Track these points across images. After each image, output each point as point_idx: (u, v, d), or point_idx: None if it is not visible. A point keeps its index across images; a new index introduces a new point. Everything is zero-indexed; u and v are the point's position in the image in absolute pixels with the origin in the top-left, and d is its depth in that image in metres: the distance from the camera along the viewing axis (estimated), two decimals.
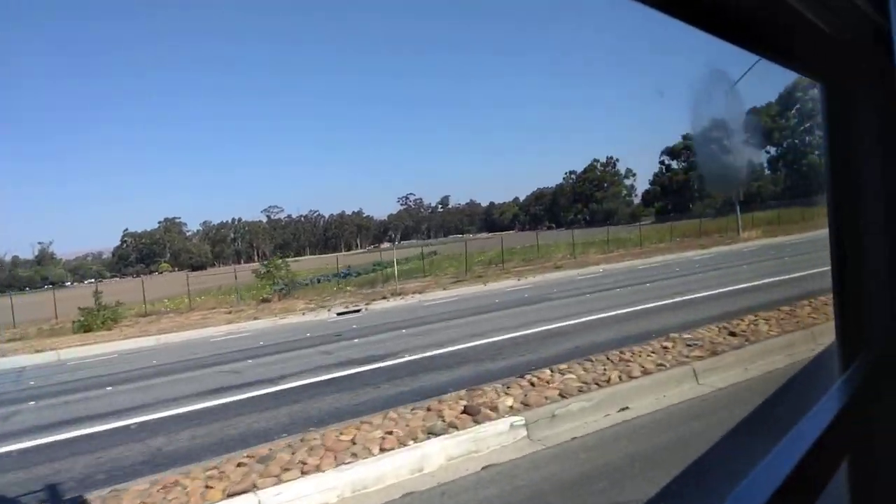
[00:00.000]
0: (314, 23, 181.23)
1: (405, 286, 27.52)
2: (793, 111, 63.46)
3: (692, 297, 12.97)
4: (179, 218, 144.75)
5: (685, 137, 76.54)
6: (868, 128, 1.01)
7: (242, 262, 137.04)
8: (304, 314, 19.12)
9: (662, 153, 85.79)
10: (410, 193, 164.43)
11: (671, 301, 12.71)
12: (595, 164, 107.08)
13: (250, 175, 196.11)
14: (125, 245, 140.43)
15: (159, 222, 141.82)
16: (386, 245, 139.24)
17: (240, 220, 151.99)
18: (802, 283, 12.57)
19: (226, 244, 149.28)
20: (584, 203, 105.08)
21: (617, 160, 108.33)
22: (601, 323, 11.05)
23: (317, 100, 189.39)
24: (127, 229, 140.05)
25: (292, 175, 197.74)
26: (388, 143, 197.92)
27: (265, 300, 26.90)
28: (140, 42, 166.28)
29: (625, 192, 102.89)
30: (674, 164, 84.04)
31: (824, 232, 1.12)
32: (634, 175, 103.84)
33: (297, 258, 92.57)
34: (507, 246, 39.68)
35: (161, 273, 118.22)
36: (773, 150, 69.22)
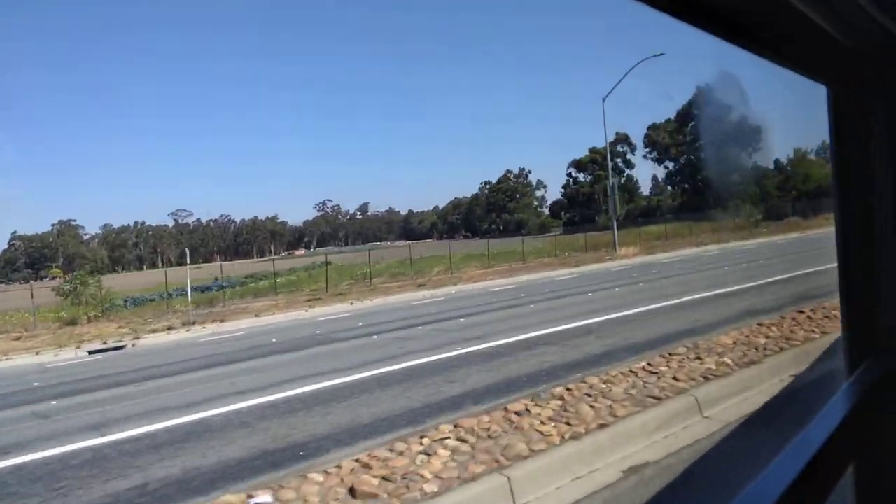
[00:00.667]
0: (227, 17, 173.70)
1: (240, 306, 24.27)
2: (688, 127, 64.47)
3: (480, 346, 10.39)
4: (76, 221, 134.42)
5: (592, 151, 76.84)
6: (875, 134, 1.02)
7: (145, 268, 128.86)
8: (58, 351, 15.44)
9: (570, 165, 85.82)
10: (328, 199, 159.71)
11: (440, 357, 10.05)
12: (508, 174, 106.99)
13: (156, 177, 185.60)
14: (13, 249, 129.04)
15: (53, 225, 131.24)
16: (301, 252, 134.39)
17: (143, 223, 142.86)
18: (631, 328, 10.31)
19: (126, 249, 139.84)
20: (497, 213, 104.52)
21: (529, 172, 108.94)
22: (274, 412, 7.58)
23: (231, 102, 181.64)
24: (16, 232, 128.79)
25: (203, 178, 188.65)
26: (306, 147, 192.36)
27: (70, 322, 22.92)
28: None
29: (535, 203, 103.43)
30: (581, 177, 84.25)
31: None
32: (545, 187, 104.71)
33: (198, 265, 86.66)
34: (416, 255, 37.27)
35: (54, 279, 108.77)
36: (670, 164, 70.33)
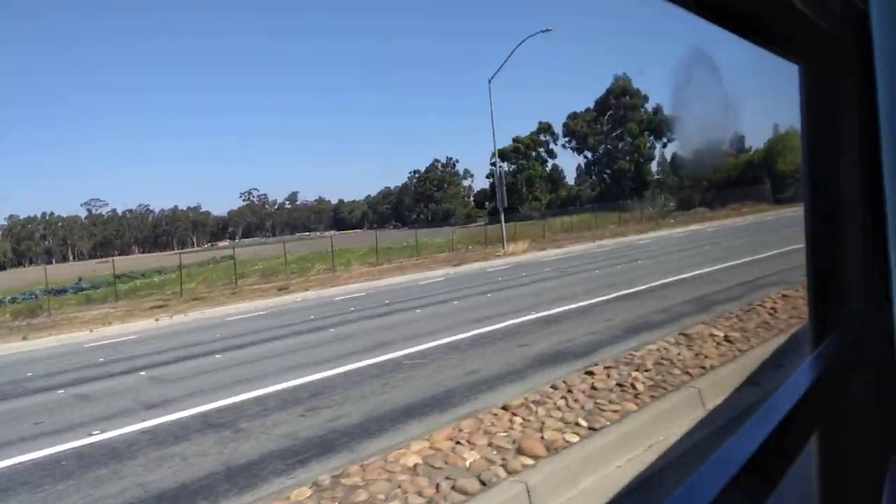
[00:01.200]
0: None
1: (69, 316, 20.91)
2: (606, 117, 63.52)
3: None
4: None
5: (515, 140, 74.79)
6: (845, 114, 1.02)
7: (55, 261, 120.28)
8: None
9: (493, 155, 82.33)
10: (254, 188, 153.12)
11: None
12: (436, 164, 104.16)
13: (67, 166, 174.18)
14: None
15: None
16: (224, 243, 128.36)
17: (52, 214, 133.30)
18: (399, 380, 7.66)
19: (33, 242, 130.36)
20: (425, 203, 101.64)
21: (456, 161, 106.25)
22: None
23: (152, 85, 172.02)
24: None
25: (120, 167, 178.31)
26: (231, 134, 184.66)
27: None
28: None
29: (462, 192, 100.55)
30: (504, 166, 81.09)
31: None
32: (472, 176, 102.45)
33: (104, 259, 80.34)
34: (339, 245, 33.98)
35: None
36: (589, 154, 68.82)
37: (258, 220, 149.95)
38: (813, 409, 0.82)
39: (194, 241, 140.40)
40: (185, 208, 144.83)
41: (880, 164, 0.78)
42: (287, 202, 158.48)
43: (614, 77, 65.14)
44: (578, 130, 68.32)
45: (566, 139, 72.87)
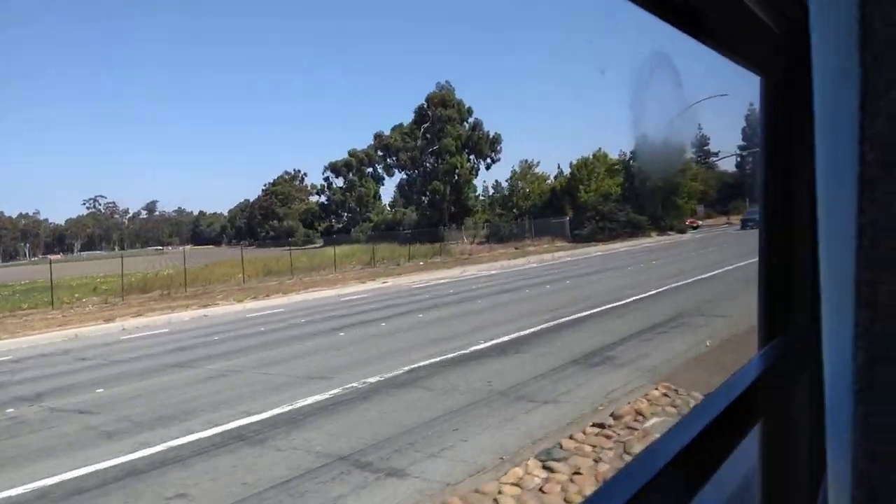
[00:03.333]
0: None
1: None
2: (422, 130, 56.54)
3: None
4: None
5: (350, 153, 69.50)
6: (799, 125, 1.05)
7: None
8: None
9: (326, 169, 73.74)
10: (101, 195, 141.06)
11: None
12: (285, 176, 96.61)
13: None
14: None
15: None
16: (57, 255, 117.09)
17: None
18: None
19: None
20: (269, 219, 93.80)
21: (305, 174, 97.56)
22: None
23: None
24: None
25: None
26: (75, 135, 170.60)
27: None
28: None
29: (310, 208, 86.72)
30: (338, 182, 73.26)
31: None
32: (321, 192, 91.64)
33: None
34: (187, 263, 29.09)
35: None
36: (406, 173, 61.11)
37: (103, 230, 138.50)
38: (754, 404, 0.86)
39: (27, 252, 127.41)
40: (15, 216, 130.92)
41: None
42: (144, 212, 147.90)
43: (437, 85, 57.12)
44: (393, 145, 59.26)
45: (380, 155, 64.57)
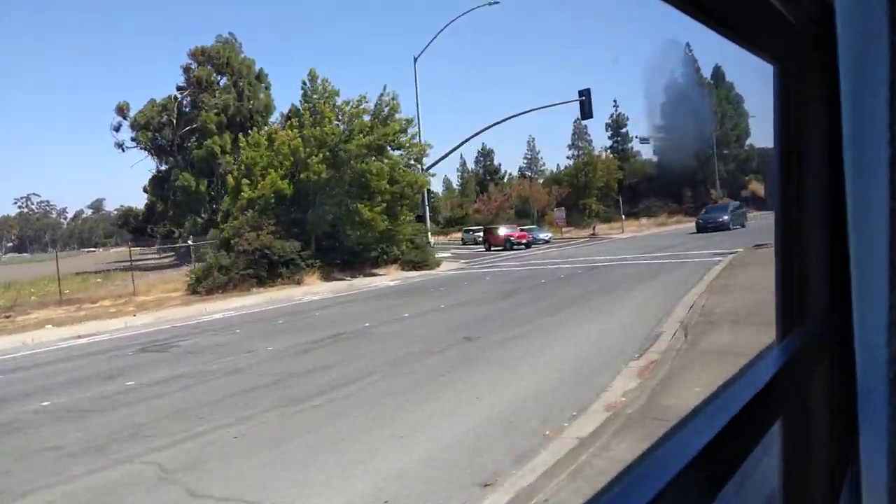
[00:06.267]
0: None
1: None
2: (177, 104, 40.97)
3: None
4: None
5: None
6: (815, 116, 1.05)
7: None
8: None
9: None
10: (33, 193, 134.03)
11: None
12: None
13: None
14: None
15: None
16: None
17: None
18: None
19: None
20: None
21: None
22: None
23: None
24: None
25: None
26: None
27: None
28: None
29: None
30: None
31: None
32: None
33: None
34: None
35: None
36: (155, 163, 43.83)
37: (34, 231, 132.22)
38: (775, 398, 0.85)
39: None
40: None
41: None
42: (90, 210, 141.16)
43: (217, 38, 41.69)
44: (151, 123, 40.13)
45: (133, 134, 41.35)
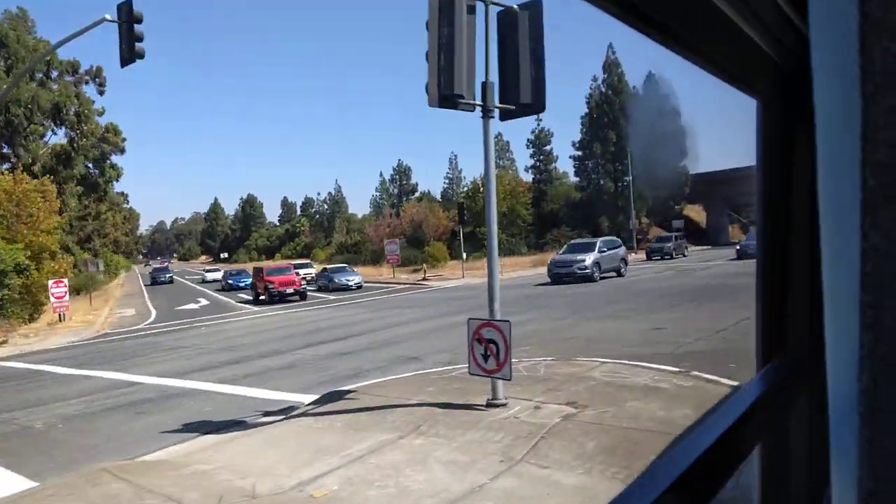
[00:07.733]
0: None
1: None
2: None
3: None
4: None
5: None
6: (797, 152, 1.06)
7: None
8: None
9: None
10: None
11: None
12: None
13: None
14: None
15: None
16: None
17: None
18: None
19: None
20: None
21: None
22: None
23: None
24: None
25: None
26: None
27: None
28: None
29: None
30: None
31: None
32: None
33: None
34: None
35: None
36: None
37: None
38: (753, 426, 0.85)
39: None
40: None
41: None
42: None
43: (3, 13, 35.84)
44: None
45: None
